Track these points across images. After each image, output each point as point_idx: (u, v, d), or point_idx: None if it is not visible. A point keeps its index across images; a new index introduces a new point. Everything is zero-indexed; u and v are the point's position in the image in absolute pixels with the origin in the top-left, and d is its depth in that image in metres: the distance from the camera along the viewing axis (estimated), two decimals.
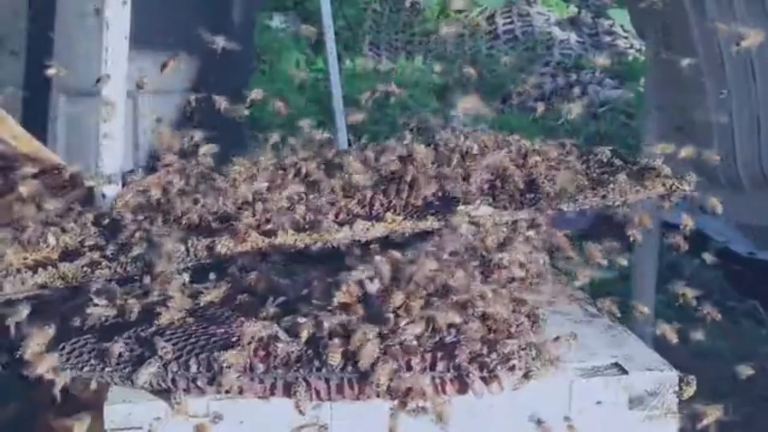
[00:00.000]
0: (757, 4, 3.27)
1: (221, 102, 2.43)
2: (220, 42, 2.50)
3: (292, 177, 2.23)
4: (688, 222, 2.26)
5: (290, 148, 2.32)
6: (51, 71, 2.57)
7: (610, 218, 2.23)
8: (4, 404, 2.06)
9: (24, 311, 1.97)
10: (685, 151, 2.35)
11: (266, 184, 2.18)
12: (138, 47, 2.71)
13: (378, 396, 1.81)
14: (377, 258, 1.93)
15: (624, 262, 2.22)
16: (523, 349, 1.84)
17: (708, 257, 2.53)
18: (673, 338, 2.13)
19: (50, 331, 1.88)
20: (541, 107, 2.42)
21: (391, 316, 1.84)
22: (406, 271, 1.89)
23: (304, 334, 1.83)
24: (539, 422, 1.88)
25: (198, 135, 2.32)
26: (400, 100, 2.45)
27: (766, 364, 2.47)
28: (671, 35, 3.63)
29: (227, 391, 1.83)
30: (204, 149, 2.32)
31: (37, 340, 1.86)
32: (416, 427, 1.83)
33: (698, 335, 2.18)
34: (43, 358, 1.85)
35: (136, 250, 2.07)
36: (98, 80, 2.51)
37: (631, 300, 2.29)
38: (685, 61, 2.79)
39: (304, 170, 2.23)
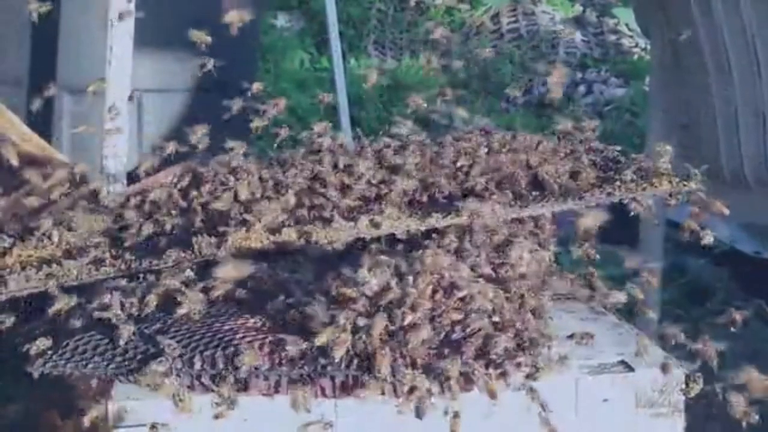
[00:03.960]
0: (764, 2, 3.27)
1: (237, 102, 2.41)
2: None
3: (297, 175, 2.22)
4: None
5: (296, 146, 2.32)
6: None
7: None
8: (5, 404, 2.06)
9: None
10: None
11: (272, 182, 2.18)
12: (140, 46, 2.72)
13: (383, 393, 1.81)
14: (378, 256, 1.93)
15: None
16: (528, 346, 1.84)
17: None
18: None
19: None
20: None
21: (399, 312, 1.83)
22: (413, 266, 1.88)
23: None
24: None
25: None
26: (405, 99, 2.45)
27: None
28: (676, 34, 3.62)
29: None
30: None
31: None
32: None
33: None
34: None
35: (140, 248, 2.07)
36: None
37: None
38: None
39: (312, 168, 2.22)
